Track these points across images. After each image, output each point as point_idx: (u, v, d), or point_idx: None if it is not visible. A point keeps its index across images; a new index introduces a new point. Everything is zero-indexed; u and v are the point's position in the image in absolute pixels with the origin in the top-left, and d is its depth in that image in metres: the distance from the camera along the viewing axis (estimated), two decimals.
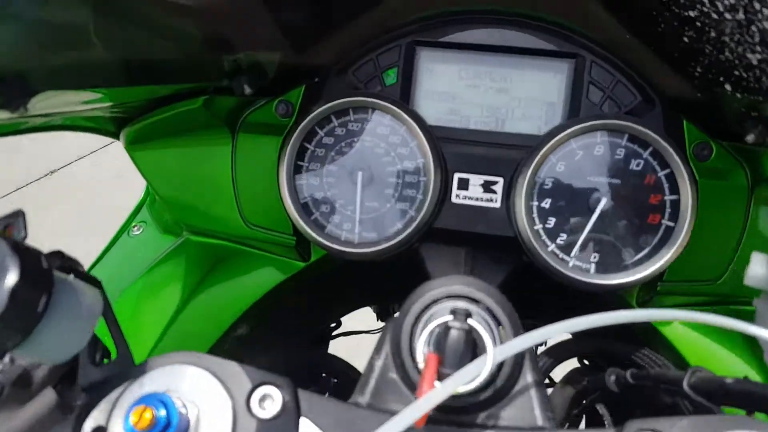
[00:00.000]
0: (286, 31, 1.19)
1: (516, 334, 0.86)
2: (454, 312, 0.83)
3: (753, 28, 0.87)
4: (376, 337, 0.96)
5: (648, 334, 1.39)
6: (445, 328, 0.81)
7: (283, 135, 1.30)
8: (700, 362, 1.32)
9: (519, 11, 1.23)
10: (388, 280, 1.67)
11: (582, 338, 1.43)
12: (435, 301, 0.90)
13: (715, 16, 0.95)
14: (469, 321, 0.82)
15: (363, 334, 2.13)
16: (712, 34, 1.00)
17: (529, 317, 1.80)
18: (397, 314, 0.96)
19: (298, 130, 1.27)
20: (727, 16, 0.91)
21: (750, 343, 1.32)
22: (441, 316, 0.86)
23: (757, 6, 0.83)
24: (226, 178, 1.37)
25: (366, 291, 1.73)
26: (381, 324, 2.13)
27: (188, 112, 1.29)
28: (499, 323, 0.87)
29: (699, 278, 1.27)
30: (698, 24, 1.00)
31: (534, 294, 1.64)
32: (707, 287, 1.28)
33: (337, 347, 2.03)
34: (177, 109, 1.30)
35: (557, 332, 0.80)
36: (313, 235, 1.26)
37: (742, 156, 1.24)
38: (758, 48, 0.91)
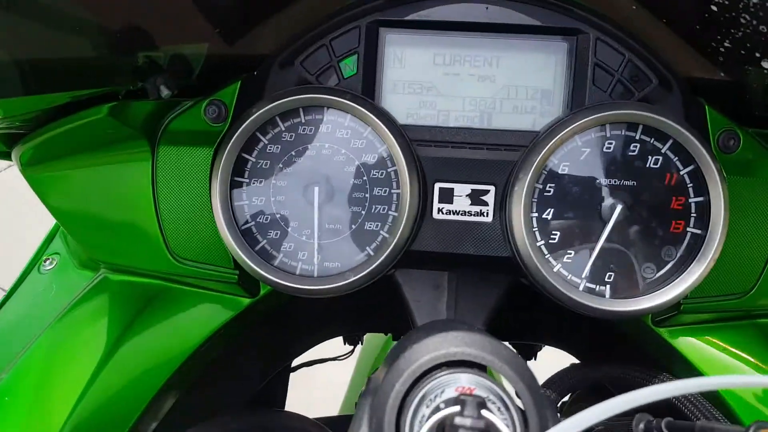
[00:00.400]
0: (211, 15, 0.92)
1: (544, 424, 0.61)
2: (461, 402, 0.58)
3: None
4: (344, 365, 0.69)
5: (666, 356, 1.18)
6: (452, 426, 0.56)
7: (216, 144, 1.03)
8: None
9: None
10: (358, 305, 1.42)
11: (590, 365, 1.21)
12: (429, 370, 0.66)
13: None
14: (485, 413, 0.57)
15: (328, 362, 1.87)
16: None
17: (520, 338, 1.59)
18: (375, 375, 0.71)
19: (234, 138, 1.00)
20: None
21: None
22: (439, 396, 0.61)
23: None
24: (147, 201, 1.09)
25: (331, 322, 1.47)
26: (349, 348, 1.86)
27: (93, 124, 1.00)
28: (523, 415, 0.62)
29: (726, 292, 1.08)
30: None
31: (526, 311, 1.42)
32: (735, 302, 1.08)
33: (294, 376, 1.78)
34: (78, 120, 1.01)
35: (605, 414, 0.56)
36: (259, 270, 1.00)
37: None
38: None
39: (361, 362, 2.01)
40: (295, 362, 1.72)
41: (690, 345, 1.13)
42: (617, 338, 1.36)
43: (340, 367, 1.93)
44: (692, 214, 0.99)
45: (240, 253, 1.00)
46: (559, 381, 1.20)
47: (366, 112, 0.98)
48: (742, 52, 0.92)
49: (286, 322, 1.37)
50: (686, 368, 1.15)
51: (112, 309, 1.22)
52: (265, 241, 1.03)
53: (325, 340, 1.51)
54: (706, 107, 1.02)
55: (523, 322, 1.45)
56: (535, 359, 1.75)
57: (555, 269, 1.01)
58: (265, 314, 1.28)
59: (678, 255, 1.00)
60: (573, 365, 1.28)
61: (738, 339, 1.12)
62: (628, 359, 1.33)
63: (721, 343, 1.13)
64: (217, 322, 1.18)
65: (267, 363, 1.43)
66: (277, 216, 1.03)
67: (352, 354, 1.74)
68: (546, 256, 1.01)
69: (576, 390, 1.23)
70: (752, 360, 1.12)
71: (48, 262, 1.49)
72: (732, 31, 0.89)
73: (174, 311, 1.20)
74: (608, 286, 1.01)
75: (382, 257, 1.00)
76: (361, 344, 1.79)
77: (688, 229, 1.00)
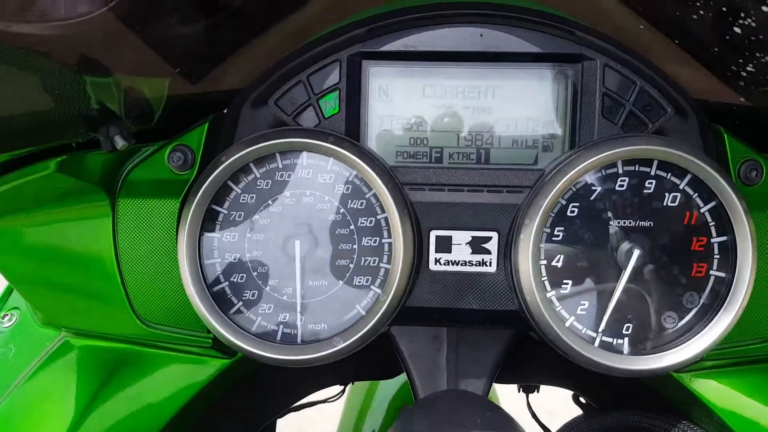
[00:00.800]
0: (168, 55, 0.80)
1: None
2: None
3: None
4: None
5: (685, 401, 1.09)
6: None
7: (182, 195, 0.91)
8: None
9: (500, 1, 0.89)
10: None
11: (604, 412, 1.11)
12: None
13: None
14: None
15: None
16: None
17: (523, 380, 1.48)
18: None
19: (202, 189, 0.89)
20: None
21: None
22: None
23: None
24: (108, 261, 0.97)
25: (317, 375, 1.36)
26: (339, 388, 1.74)
27: (39, 180, 0.88)
28: None
29: (749, 338, 0.98)
30: (764, 9, 0.70)
31: (530, 351, 1.31)
32: (758, 346, 0.99)
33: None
34: (21, 178, 0.88)
35: None
36: (232, 340, 0.89)
37: None
38: None
39: (349, 404, 1.90)
40: None
41: (711, 389, 1.04)
42: (630, 379, 1.26)
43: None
44: (715, 256, 0.90)
45: (210, 319, 0.89)
46: (575, 429, 1.11)
47: (350, 155, 0.88)
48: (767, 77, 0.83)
49: (268, 378, 1.25)
50: (706, 414, 1.05)
51: (76, 377, 1.11)
52: (240, 303, 0.92)
53: (311, 393, 1.39)
54: (726, 136, 0.92)
55: (526, 362, 1.34)
56: (537, 391, 1.65)
57: (568, 323, 0.90)
58: (246, 373, 1.16)
59: (701, 302, 0.91)
60: (586, 413, 1.18)
61: (763, 382, 1.03)
62: (643, 402, 1.23)
63: (744, 388, 1.04)
64: (193, 388, 1.07)
65: (250, 423, 1.30)
66: (254, 274, 0.92)
67: (343, 394, 1.63)
68: (557, 309, 0.91)
69: None
70: None
71: (6, 318, 1.37)
72: (758, 54, 0.80)
73: (144, 378, 1.09)
74: (626, 339, 0.91)
75: (376, 317, 0.89)
76: (352, 384, 1.68)
77: (711, 272, 0.90)
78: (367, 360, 1.34)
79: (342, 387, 1.62)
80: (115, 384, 1.09)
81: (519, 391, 1.53)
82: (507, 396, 1.74)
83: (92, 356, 1.11)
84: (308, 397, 1.47)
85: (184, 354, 1.08)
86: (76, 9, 0.71)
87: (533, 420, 1.52)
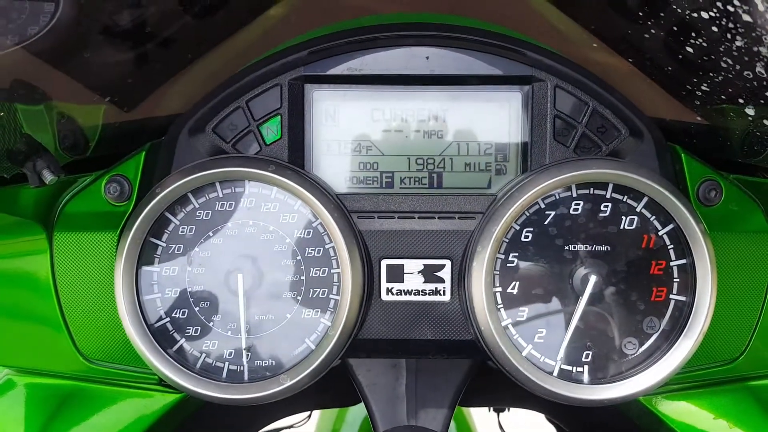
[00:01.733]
0: (97, 85, 0.76)
1: None
2: None
3: None
4: None
5: (652, 424, 1.06)
6: None
7: (120, 228, 0.87)
8: None
9: (447, 21, 0.86)
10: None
11: None
12: None
13: (747, 18, 0.61)
14: None
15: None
16: (738, 42, 0.67)
17: (487, 402, 1.45)
18: None
19: (138, 222, 0.85)
20: None
21: None
22: None
23: None
24: (48, 297, 0.93)
25: (278, 406, 1.31)
26: (305, 413, 1.70)
27: None
28: None
29: (714, 360, 0.96)
30: (714, 29, 0.67)
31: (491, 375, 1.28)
32: (723, 368, 0.96)
33: None
34: None
35: None
36: (174, 378, 0.85)
37: (755, 192, 0.93)
38: None
39: (320, 428, 1.86)
40: None
41: (677, 411, 1.01)
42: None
43: None
44: (675, 279, 0.87)
45: (150, 357, 0.85)
46: None
47: (293, 184, 0.84)
48: (723, 96, 0.80)
49: (224, 411, 1.20)
50: None
51: (20, 415, 1.06)
52: (183, 339, 0.88)
53: (271, 423, 1.35)
54: (683, 156, 0.90)
55: (493, 385, 1.31)
56: (508, 410, 1.62)
57: (525, 352, 0.87)
58: (200, 405, 1.12)
59: (662, 327, 0.88)
60: None
61: (729, 404, 1.01)
62: (611, 425, 1.20)
63: (710, 409, 1.01)
64: (143, 424, 1.02)
65: None
66: (196, 309, 0.88)
67: (309, 419, 1.58)
68: (514, 337, 0.88)
69: None
70: (743, 428, 1.00)
71: None
72: (711, 74, 0.77)
73: (91, 415, 1.04)
74: (586, 367, 0.88)
75: (325, 352, 0.85)
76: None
77: (671, 296, 0.88)
78: (326, 389, 1.30)
79: (308, 413, 1.58)
80: (60, 422, 1.04)
81: (489, 410, 1.50)
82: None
83: (36, 394, 1.06)
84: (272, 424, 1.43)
85: (132, 389, 1.03)
86: (3, 42, 0.67)
87: None
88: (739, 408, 1.01)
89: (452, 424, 1.90)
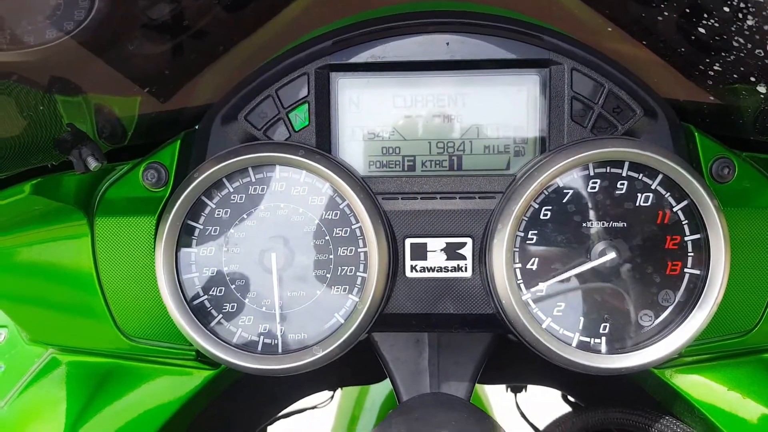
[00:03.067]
0: (136, 75, 0.81)
1: None
2: None
3: None
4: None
5: (667, 397, 1.09)
6: None
7: (158, 213, 0.92)
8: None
9: (465, 7, 0.89)
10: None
11: (590, 410, 1.12)
12: None
13: None
14: None
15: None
16: (749, 21, 0.69)
17: (509, 380, 1.49)
18: None
19: (177, 206, 0.89)
20: None
21: None
22: None
23: None
24: (89, 279, 0.98)
25: (304, 381, 1.36)
26: (329, 394, 1.75)
27: (15, 204, 0.88)
28: None
29: (728, 333, 0.99)
30: (726, 9, 0.70)
31: (513, 352, 1.32)
32: (736, 341, 0.99)
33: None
34: None
35: None
36: (214, 352, 0.90)
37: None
38: None
39: (341, 409, 1.92)
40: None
41: (691, 384, 1.04)
42: (614, 377, 1.27)
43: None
44: (689, 254, 0.90)
45: (191, 332, 0.90)
46: (560, 426, 1.11)
47: (321, 167, 0.88)
48: (735, 75, 0.83)
49: (255, 387, 1.26)
50: (688, 408, 1.06)
51: (64, 392, 1.12)
52: (220, 315, 0.93)
53: (299, 400, 1.40)
54: (696, 134, 0.93)
55: (510, 362, 1.35)
56: (525, 391, 1.66)
57: (544, 325, 0.91)
58: (232, 382, 1.17)
59: (677, 299, 0.91)
60: (573, 411, 1.18)
61: (742, 376, 1.04)
62: (629, 399, 1.24)
63: (724, 381, 1.04)
64: (180, 400, 1.07)
65: (239, 431, 1.31)
66: (233, 287, 0.93)
67: (332, 400, 1.63)
68: (534, 311, 0.91)
69: None
70: (757, 399, 1.03)
71: None
72: (723, 54, 0.80)
73: (131, 390, 1.10)
74: (604, 339, 0.92)
75: (354, 326, 0.90)
76: (341, 389, 1.69)
77: (685, 270, 0.91)
78: (352, 366, 1.35)
79: (331, 393, 1.63)
80: (101, 399, 1.10)
81: (507, 391, 1.54)
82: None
83: (79, 371, 1.12)
84: (297, 403, 1.48)
85: (170, 366, 1.09)
86: (42, 37, 0.72)
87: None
88: (752, 380, 1.04)
89: None
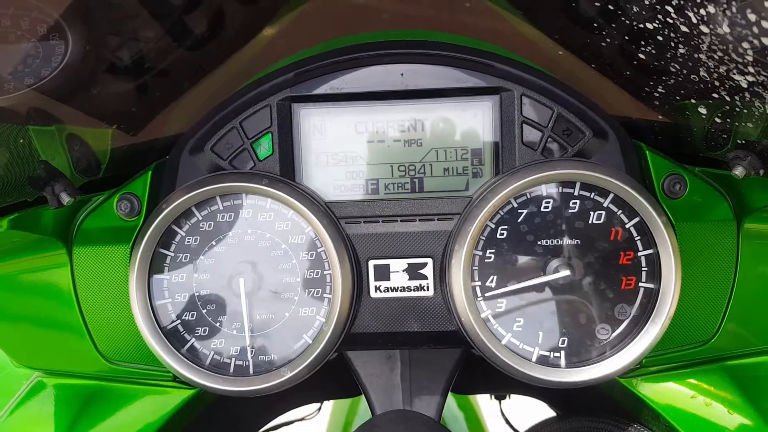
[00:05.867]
0: (103, 115, 0.85)
1: None
2: None
3: (744, 44, 0.60)
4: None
5: (634, 405, 1.12)
6: None
7: (132, 241, 0.96)
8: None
9: (421, 36, 0.93)
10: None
11: (563, 419, 1.16)
12: None
13: (684, 29, 0.67)
14: None
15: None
16: (681, 50, 0.73)
17: (486, 389, 1.52)
18: None
19: (147, 235, 0.93)
20: (704, 29, 0.64)
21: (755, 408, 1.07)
22: None
23: (752, 17, 0.55)
24: (70, 306, 1.02)
25: (287, 395, 1.40)
26: (316, 406, 1.78)
27: None
28: None
29: (688, 342, 1.02)
30: (659, 38, 0.73)
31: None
32: (697, 350, 1.02)
33: None
34: None
35: None
36: (187, 375, 0.93)
37: (721, 183, 0.99)
38: (750, 69, 0.64)
39: (333, 420, 1.94)
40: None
41: (656, 392, 1.06)
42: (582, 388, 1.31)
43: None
44: (643, 269, 0.93)
45: (164, 356, 0.93)
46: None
47: (284, 195, 0.92)
48: (677, 97, 0.86)
49: (237, 403, 1.29)
50: (654, 416, 1.09)
51: (51, 414, 1.15)
52: (193, 339, 0.97)
53: (282, 414, 1.44)
54: (647, 152, 0.96)
55: (492, 373, 1.38)
56: (509, 398, 1.69)
57: (504, 341, 0.94)
58: (214, 400, 1.21)
59: (632, 313, 0.94)
60: (547, 419, 1.22)
61: (705, 383, 1.06)
62: (601, 407, 1.27)
63: (688, 389, 1.07)
64: (162, 419, 1.11)
65: None
66: (204, 311, 0.96)
67: (319, 412, 1.67)
68: (494, 327, 0.95)
69: None
70: (720, 405, 1.06)
71: None
72: (664, 78, 0.83)
73: (115, 411, 1.13)
74: (562, 353, 0.95)
75: (321, 346, 0.93)
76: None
77: (640, 284, 0.94)
78: (332, 380, 1.38)
79: (318, 405, 1.66)
80: (86, 420, 1.14)
81: (491, 398, 1.57)
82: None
83: (64, 394, 1.15)
84: (284, 415, 1.51)
85: (151, 386, 1.13)
86: (21, 83, 0.76)
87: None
88: (715, 386, 1.06)
89: (461, 413, 1.97)
